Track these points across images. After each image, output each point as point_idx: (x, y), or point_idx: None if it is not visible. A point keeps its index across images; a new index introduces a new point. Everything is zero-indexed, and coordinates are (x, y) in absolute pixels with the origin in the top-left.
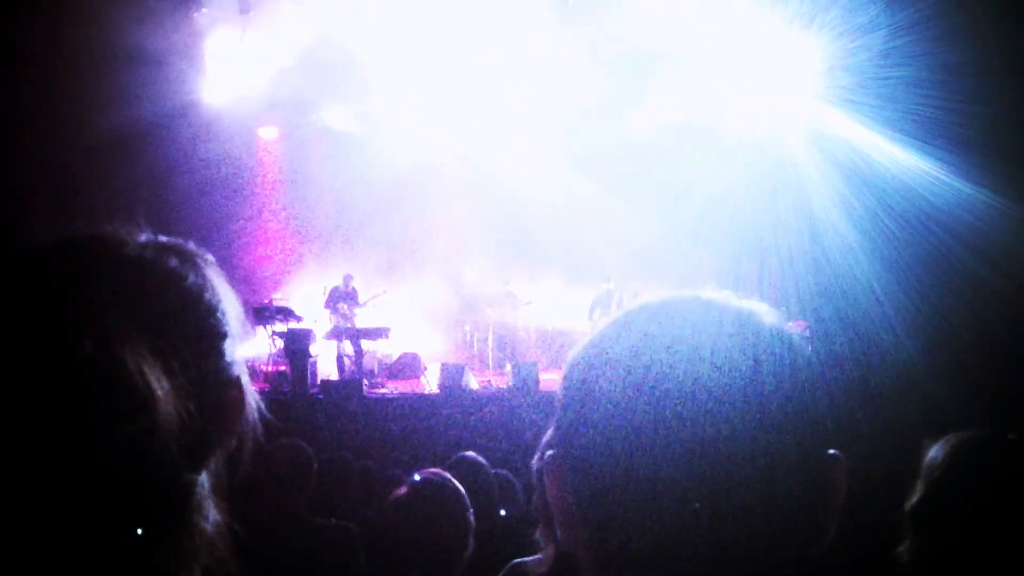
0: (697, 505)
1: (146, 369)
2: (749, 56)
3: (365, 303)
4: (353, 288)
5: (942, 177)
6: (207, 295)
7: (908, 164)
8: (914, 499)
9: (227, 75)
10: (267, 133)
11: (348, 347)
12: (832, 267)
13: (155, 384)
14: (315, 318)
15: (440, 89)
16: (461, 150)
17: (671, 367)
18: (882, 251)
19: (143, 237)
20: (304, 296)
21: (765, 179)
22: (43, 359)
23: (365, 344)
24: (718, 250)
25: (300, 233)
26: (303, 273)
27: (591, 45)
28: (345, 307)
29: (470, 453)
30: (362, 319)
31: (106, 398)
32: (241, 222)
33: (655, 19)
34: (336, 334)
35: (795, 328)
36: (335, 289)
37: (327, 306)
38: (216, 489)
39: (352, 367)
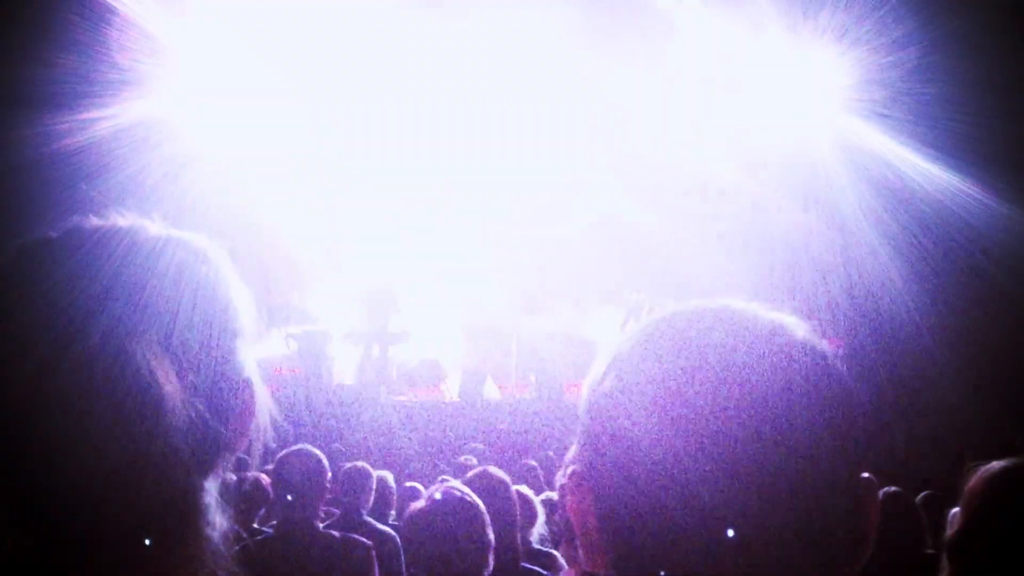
0: (731, 532)
1: (155, 366)
2: (781, 69)
3: (403, 311)
4: (392, 295)
5: (975, 194)
6: (220, 291)
7: (941, 180)
8: (953, 530)
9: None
10: (284, 126)
11: (373, 351)
12: (865, 282)
13: (164, 382)
14: (334, 320)
15: (466, 98)
16: (490, 160)
17: (698, 381)
18: (915, 267)
19: (155, 229)
20: (324, 297)
21: (797, 193)
22: (48, 353)
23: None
24: (749, 264)
25: (321, 231)
26: (324, 273)
27: (621, 59)
28: (377, 311)
29: (491, 468)
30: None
31: (113, 395)
32: (258, 217)
33: (688, 32)
34: (357, 337)
35: (828, 344)
36: (368, 293)
37: (357, 309)
38: (224, 495)
39: (371, 372)
